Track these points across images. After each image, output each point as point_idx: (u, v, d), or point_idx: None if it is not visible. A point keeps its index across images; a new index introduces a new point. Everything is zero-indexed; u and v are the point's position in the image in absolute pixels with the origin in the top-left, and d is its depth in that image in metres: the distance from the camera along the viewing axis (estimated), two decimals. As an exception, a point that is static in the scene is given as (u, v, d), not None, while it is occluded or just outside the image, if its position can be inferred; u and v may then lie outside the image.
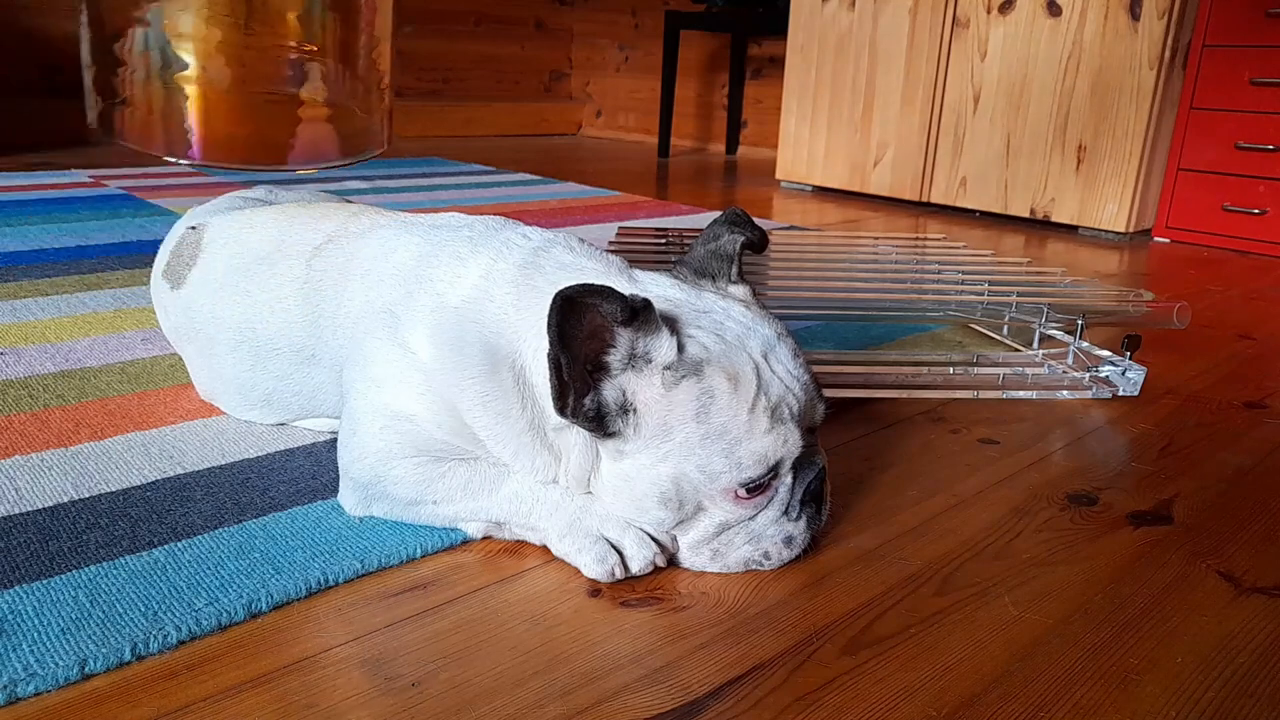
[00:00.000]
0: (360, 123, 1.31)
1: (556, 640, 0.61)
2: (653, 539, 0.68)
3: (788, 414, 0.66)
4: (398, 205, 2.07)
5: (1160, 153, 2.20)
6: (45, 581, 0.63)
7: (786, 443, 0.66)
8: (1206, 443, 0.99)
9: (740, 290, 0.76)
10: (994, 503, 0.83)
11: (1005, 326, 1.32)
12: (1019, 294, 1.22)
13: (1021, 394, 1.09)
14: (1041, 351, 1.23)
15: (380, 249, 0.79)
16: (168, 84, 1.16)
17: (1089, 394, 1.10)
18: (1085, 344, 1.18)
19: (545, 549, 0.71)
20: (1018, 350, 1.26)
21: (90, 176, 2.33)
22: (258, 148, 1.23)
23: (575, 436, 0.68)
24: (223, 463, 0.82)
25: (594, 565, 0.67)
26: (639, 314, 0.61)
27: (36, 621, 0.59)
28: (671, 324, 0.65)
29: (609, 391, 0.64)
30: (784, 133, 2.85)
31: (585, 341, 0.62)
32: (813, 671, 0.59)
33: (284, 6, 1.17)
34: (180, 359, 1.04)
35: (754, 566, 0.69)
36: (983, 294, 1.22)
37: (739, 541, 0.68)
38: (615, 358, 0.64)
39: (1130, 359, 1.11)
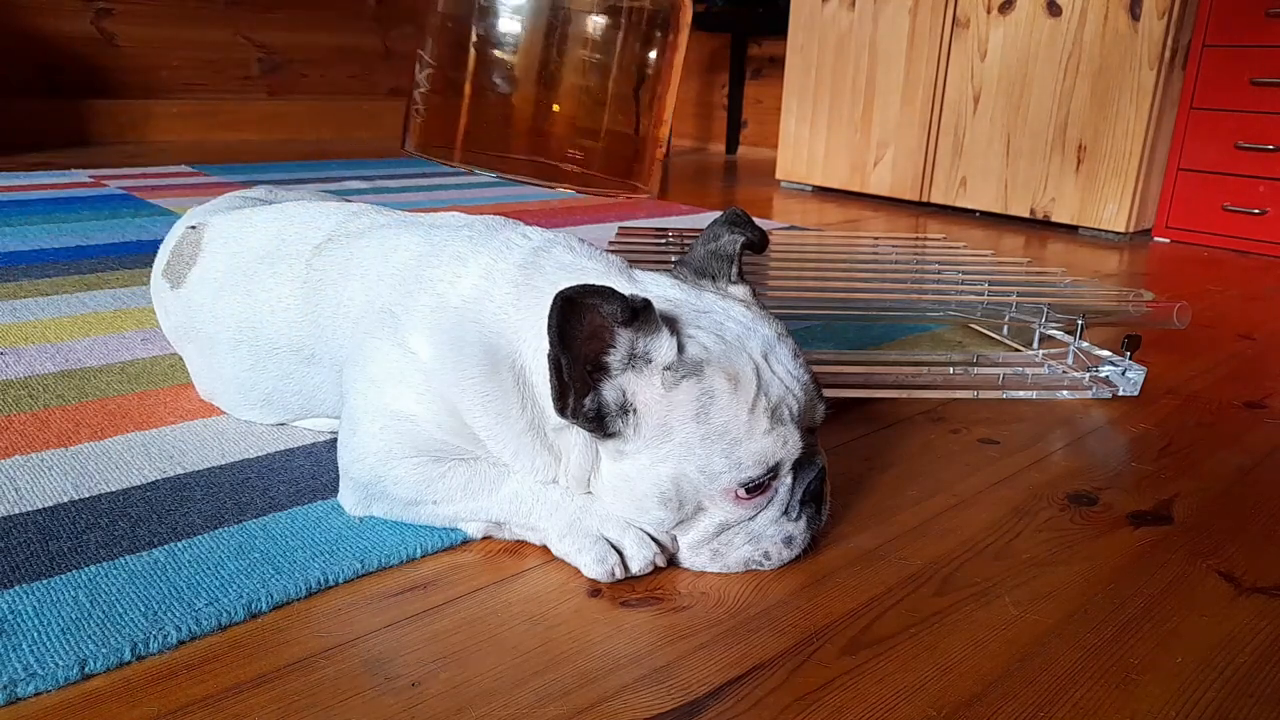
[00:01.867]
0: (621, 184, 1.40)
1: (556, 640, 0.61)
2: (653, 539, 0.68)
3: (788, 415, 0.66)
4: (398, 205, 2.07)
5: (1160, 153, 2.20)
6: (45, 581, 0.63)
7: (786, 443, 0.66)
8: (1206, 443, 0.99)
9: (740, 290, 0.76)
10: (994, 503, 0.83)
11: (1005, 326, 1.32)
12: (1019, 294, 1.22)
13: (1021, 394, 1.09)
14: (1041, 351, 1.23)
15: (380, 249, 0.79)
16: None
17: (1089, 394, 1.10)
18: (1085, 344, 1.18)
19: (545, 549, 0.71)
20: (1018, 350, 1.26)
21: (90, 176, 2.33)
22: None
23: (575, 437, 0.68)
24: (223, 463, 0.82)
25: (594, 565, 0.67)
26: (639, 314, 0.61)
27: (36, 621, 0.59)
28: (671, 324, 0.65)
29: (609, 392, 0.64)
30: (784, 133, 2.85)
31: (585, 342, 0.62)
32: (813, 671, 0.59)
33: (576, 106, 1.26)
34: (180, 359, 1.04)
35: (754, 566, 0.69)
36: (983, 294, 1.22)
37: (739, 541, 0.68)
38: (615, 358, 0.64)
39: (1130, 359, 1.11)
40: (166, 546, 0.68)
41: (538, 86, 1.23)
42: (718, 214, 0.80)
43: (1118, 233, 2.23)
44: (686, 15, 1.30)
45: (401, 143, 1.35)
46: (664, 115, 1.35)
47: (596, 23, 1.21)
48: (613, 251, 0.92)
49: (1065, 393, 1.10)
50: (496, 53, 1.19)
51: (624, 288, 0.67)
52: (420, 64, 1.27)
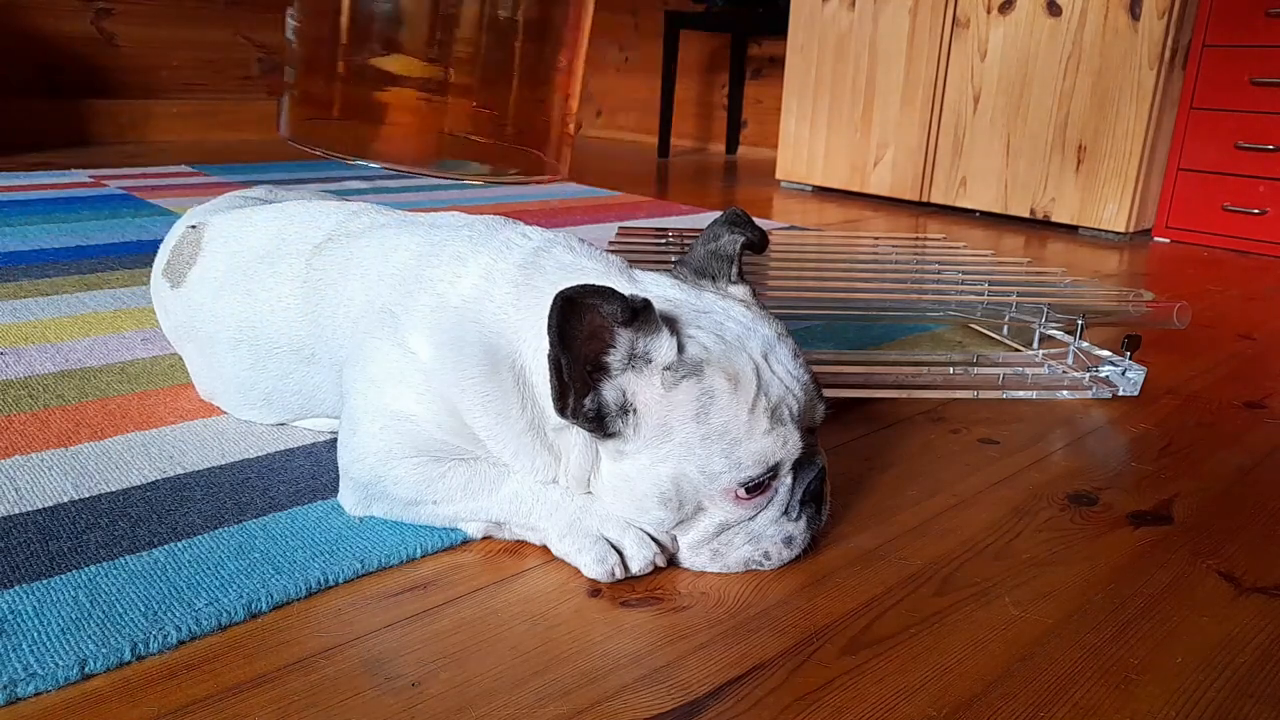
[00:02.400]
0: (532, 159, 1.28)
1: (556, 640, 0.61)
2: (653, 539, 0.68)
3: (788, 415, 0.66)
4: (398, 205, 2.07)
5: (1160, 153, 2.20)
6: (45, 581, 0.63)
7: (786, 443, 0.66)
8: (1206, 443, 0.99)
9: (740, 290, 0.76)
10: (994, 503, 0.83)
11: (1005, 326, 1.32)
12: (1019, 294, 1.22)
13: (1021, 394, 1.09)
14: (1041, 351, 1.23)
15: (380, 248, 0.79)
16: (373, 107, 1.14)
17: (1089, 394, 1.10)
18: (1085, 344, 1.18)
19: (545, 549, 0.71)
20: (1018, 350, 1.26)
21: (90, 176, 2.33)
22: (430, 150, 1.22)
23: (575, 437, 0.68)
24: (223, 463, 0.82)
25: (594, 565, 0.67)
26: (639, 314, 0.61)
27: (36, 621, 0.59)
28: (671, 324, 0.65)
29: (609, 392, 0.64)
30: (784, 133, 2.85)
31: (585, 342, 0.62)
32: (813, 671, 0.59)
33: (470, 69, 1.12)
34: (180, 359, 1.04)
35: (754, 566, 0.69)
36: (983, 294, 1.22)
37: (739, 541, 0.68)
38: (615, 358, 0.64)
39: (1130, 359, 1.11)
40: (166, 546, 0.68)
41: (426, 55, 1.09)
42: (718, 214, 0.80)
43: (1118, 233, 2.23)
44: None
45: (276, 126, 1.21)
46: (572, 88, 1.23)
47: None
48: (613, 251, 0.92)
49: (1065, 393, 1.10)
50: (375, 14, 1.06)
51: (624, 288, 0.67)
52: (290, 31, 1.12)
